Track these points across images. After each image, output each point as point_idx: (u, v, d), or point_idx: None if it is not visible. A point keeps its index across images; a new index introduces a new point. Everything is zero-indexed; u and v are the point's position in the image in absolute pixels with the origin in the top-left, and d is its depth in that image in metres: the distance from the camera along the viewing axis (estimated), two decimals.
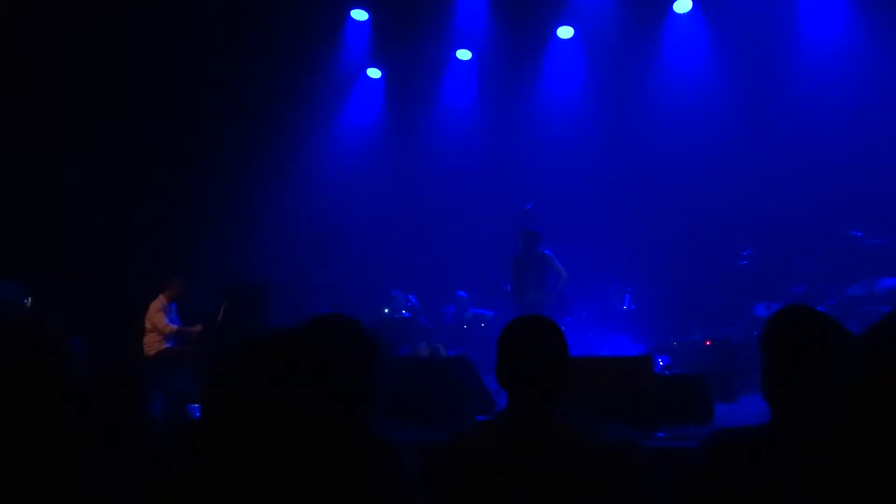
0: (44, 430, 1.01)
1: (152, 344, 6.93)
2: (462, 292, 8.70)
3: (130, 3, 7.93)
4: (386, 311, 8.27)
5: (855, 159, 7.65)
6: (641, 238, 8.56)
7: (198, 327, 7.08)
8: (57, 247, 7.74)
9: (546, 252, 7.17)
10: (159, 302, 7.01)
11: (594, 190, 9.05)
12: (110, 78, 8.09)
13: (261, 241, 8.67)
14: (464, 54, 9.94)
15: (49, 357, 1.07)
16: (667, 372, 5.59)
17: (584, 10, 9.21)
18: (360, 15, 9.57)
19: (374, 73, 10.17)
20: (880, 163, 7.50)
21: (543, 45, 9.73)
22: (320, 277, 8.18)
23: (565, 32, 9.59)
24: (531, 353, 1.77)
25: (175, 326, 7.02)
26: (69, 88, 7.89)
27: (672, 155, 8.71)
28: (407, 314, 8.17)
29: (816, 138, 7.94)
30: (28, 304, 6.46)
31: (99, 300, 7.33)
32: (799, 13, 8.59)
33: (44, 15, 7.56)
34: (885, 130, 7.63)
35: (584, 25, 9.42)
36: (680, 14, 9.12)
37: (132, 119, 8.34)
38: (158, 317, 6.93)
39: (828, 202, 7.69)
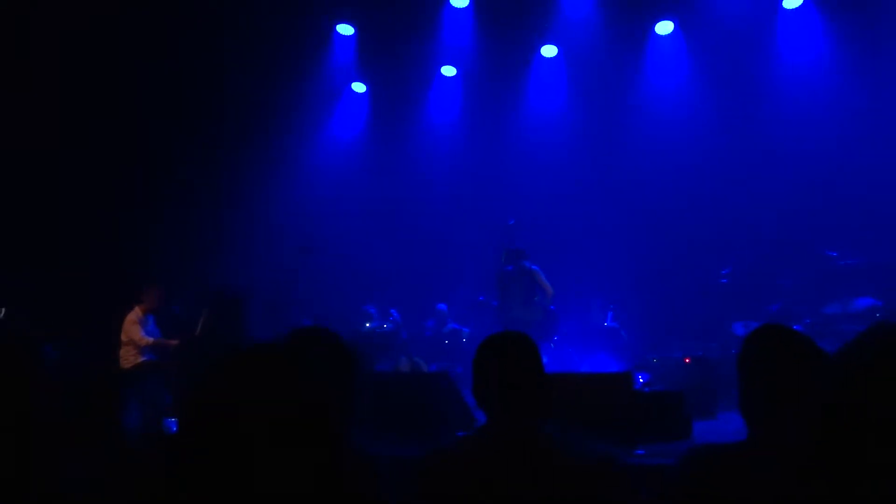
0: (15, 442, 0.99)
1: (128, 357, 6.81)
2: (442, 305, 8.68)
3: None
4: (367, 325, 8.24)
5: (832, 179, 7.79)
6: (623, 255, 8.62)
7: (175, 341, 6.98)
8: (40, 258, 7.64)
9: (533, 267, 7.04)
10: (135, 314, 6.90)
11: (576, 207, 9.12)
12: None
13: (242, 253, 8.61)
14: (449, 70, 10.01)
15: (24, 368, 1.05)
16: (646, 389, 5.62)
17: (567, 30, 9.32)
18: (345, 29, 9.61)
19: (358, 87, 10.20)
20: (857, 183, 7.64)
21: (527, 62, 9.84)
22: (302, 289, 8.14)
23: (549, 51, 9.71)
24: (507, 368, 1.77)
25: (151, 339, 6.90)
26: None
27: (653, 174, 8.81)
28: (387, 328, 8.13)
29: (794, 159, 8.09)
30: (2, 316, 6.35)
31: (82, 312, 7.24)
32: (778, 35, 8.77)
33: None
34: (862, 151, 7.78)
35: (568, 45, 9.53)
36: (662, 35, 9.28)
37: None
38: (134, 329, 6.82)
39: (805, 222, 7.81)
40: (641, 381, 6.11)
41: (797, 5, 8.61)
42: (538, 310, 7.00)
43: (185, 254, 8.28)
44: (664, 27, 9.18)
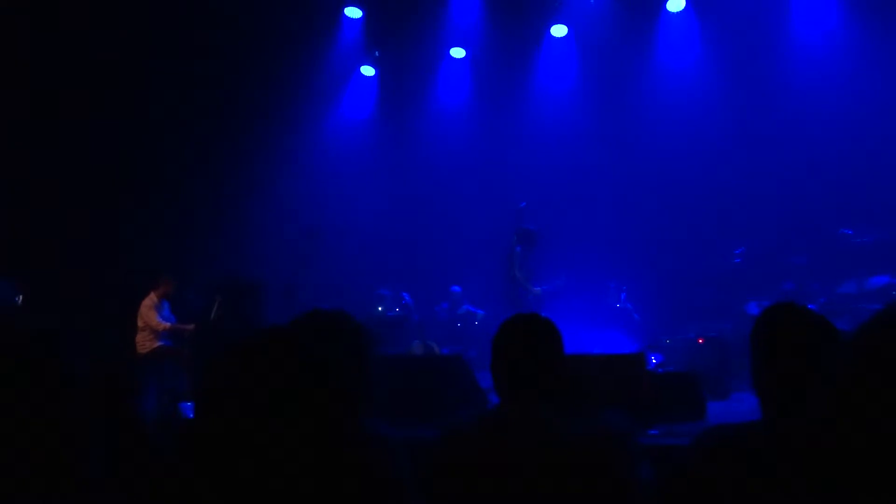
0: (35, 428, 1.01)
1: (144, 342, 6.90)
2: (456, 287, 8.67)
3: (130, 4, 7.89)
4: (380, 308, 8.27)
5: (846, 157, 7.70)
6: (635, 236, 8.58)
7: (191, 325, 7.06)
8: (53, 245, 7.71)
9: (517, 249, 7.07)
10: (150, 300, 6.98)
11: (588, 187, 9.06)
12: (110, 78, 8.07)
13: (254, 237, 8.65)
14: (458, 52, 9.93)
15: (42, 355, 1.06)
16: (660, 369, 5.62)
17: (577, 9, 9.22)
18: (353, 12, 9.55)
19: (367, 70, 10.15)
20: (872, 161, 7.55)
21: (537, 42, 9.73)
22: (314, 275, 8.17)
23: (559, 30, 9.60)
24: (525, 352, 1.77)
25: (168, 324, 6.99)
26: (69, 88, 7.85)
27: (665, 153, 8.74)
28: (400, 312, 8.15)
29: (808, 136, 7.99)
30: (19, 302, 6.44)
31: (96, 298, 7.30)
32: (791, 11, 8.62)
33: (44, 14, 7.52)
34: (876, 128, 7.67)
35: (578, 23, 9.41)
36: (673, 13, 9.14)
37: (132, 119, 8.32)
38: (151, 315, 6.90)
39: (819, 200, 7.73)
40: (655, 361, 6.11)
41: None
42: (529, 292, 7.02)
43: (196, 242, 8.33)
44: (675, 4, 9.04)
